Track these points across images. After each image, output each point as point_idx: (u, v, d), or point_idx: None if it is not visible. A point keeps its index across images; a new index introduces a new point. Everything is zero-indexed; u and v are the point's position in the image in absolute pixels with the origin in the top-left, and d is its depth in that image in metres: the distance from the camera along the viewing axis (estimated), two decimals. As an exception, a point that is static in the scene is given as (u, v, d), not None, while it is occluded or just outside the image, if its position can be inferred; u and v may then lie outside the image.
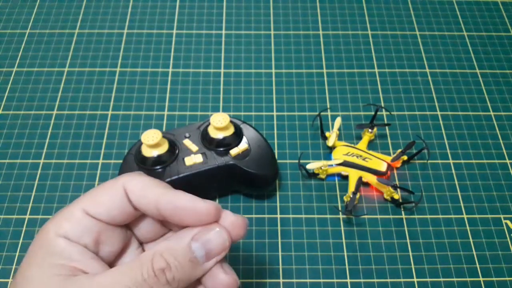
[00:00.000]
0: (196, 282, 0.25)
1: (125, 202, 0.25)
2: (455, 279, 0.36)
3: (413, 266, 0.36)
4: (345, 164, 0.40)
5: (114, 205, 0.25)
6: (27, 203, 0.39)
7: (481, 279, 0.36)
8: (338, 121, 0.42)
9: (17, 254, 0.37)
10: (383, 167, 0.40)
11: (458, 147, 0.43)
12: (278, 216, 0.39)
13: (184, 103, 0.45)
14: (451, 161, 0.42)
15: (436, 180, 0.41)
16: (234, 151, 0.37)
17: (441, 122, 0.44)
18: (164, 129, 0.43)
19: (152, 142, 0.35)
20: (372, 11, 0.53)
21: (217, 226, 0.25)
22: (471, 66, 0.49)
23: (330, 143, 0.41)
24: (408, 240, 0.38)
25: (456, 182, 0.41)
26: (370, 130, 0.42)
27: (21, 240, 0.37)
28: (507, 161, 0.42)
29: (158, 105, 0.45)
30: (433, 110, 0.45)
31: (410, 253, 0.37)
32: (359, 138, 0.43)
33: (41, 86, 0.46)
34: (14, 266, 0.36)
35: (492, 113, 0.45)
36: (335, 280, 0.36)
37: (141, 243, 0.28)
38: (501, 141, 0.43)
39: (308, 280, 0.36)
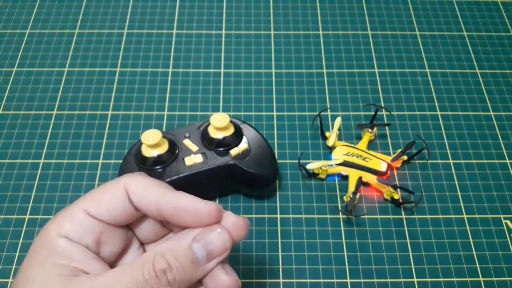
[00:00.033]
0: (197, 283, 0.25)
1: (126, 202, 0.25)
2: (455, 279, 0.36)
3: (413, 266, 0.36)
4: (345, 164, 0.40)
5: (115, 206, 0.25)
6: (27, 203, 0.39)
7: (481, 279, 0.36)
8: (338, 121, 0.42)
9: (17, 254, 0.37)
10: (383, 167, 0.40)
11: (458, 147, 0.43)
12: (278, 216, 0.39)
13: (184, 103, 0.45)
14: (451, 161, 0.42)
15: (436, 180, 0.41)
16: (234, 151, 0.37)
17: (441, 122, 0.44)
18: (164, 129, 0.43)
19: (152, 142, 0.35)
20: (372, 11, 0.53)
21: (218, 227, 0.25)
22: (471, 66, 0.49)
23: (330, 143, 0.41)
24: (408, 240, 0.38)
25: (456, 182, 0.41)
26: (370, 130, 0.42)
27: (21, 240, 0.37)
28: (507, 161, 0.42)
29: (158, 105, 0.45)
30: (433, 110, 0.45)
31: (410, 253, 0.37)
32: (359, 138, 0.43)
33: (41, 86, 0.46)
34: (14, 266, 0.36)
35: (492, 113, 0.45)
36: (335, 280, 0.36)
37: (142, 244, 0.28)
38: (501, 141, 0.43)
39: (308, 280, 0.36)
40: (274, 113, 0.45)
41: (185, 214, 0.24)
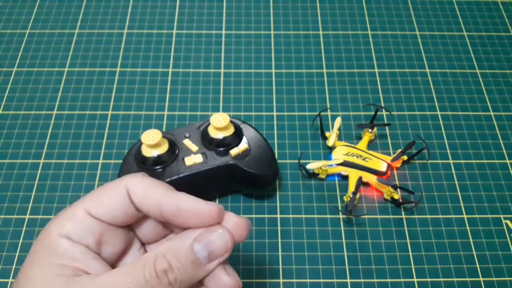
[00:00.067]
0: (198, 283, 0.25)
1: (128, 203, 0.25)
2: (455, 279, 0.36)
3: (413, 266, 0.36)
4: (345, 164, 0.40)
5: (117, 206, 0.25)
6: (27, 203, 0.39)
7: (481, 279, 0.36)
8: (338, 121, 0.42)
9: (17, 254, 0.37)
10: (383, 167, 0.40)
11: (458, 147, 0.43)
12: (278, 216, 0.39)
13: (184, 103, 0.45)
14: (451, 161, 0.42)
15: (436, 180, 0.41)
16: (234, 151, 0.37)
17: (441, 122, 0.44)
18: (164, 129, 0.43)
19: (152, 142, 0.35)
20: (372, 11, 0.53)
21: (219, 227, 0.25)
22: (471, 66, 0.49)
23: (330, 143, 0.41)
24: (408, 240, 0.38)
25: (456, 182, 0.41)
26: (370, 130, 0.42)
27: (21, 240, 0.37)
28: (507, 161, 0.42)
29: (158, 105, 0.45)
30: (433, 110, 0.45)
31: (410, 253, 0.37)
32: (359, 138, 0.43)
33: (41, 86, 0.46)
34: (14, 266, 0.36)
35: (492, 113, 0.45)
36: (335, 280, 0.36)
37: (143, 244, 0.28)
38: (501, 141, 0.43)
39: (308, 280, 0.36)
40: (274, 113, 0.45)
41: (186, 215, 0.24)
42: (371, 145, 0.43)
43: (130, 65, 0.48)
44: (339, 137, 0.43)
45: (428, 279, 0.36)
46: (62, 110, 0.45)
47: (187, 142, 0.38)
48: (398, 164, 0.41)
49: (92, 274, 0.24)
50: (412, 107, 0.45)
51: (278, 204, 0.39)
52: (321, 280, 0.36)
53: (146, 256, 0.24)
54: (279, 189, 0.40)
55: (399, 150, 0.41)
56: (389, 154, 0.42)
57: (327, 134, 0.42)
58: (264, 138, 0.39)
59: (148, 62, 0.48)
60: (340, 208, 0.39)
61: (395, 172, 0.41)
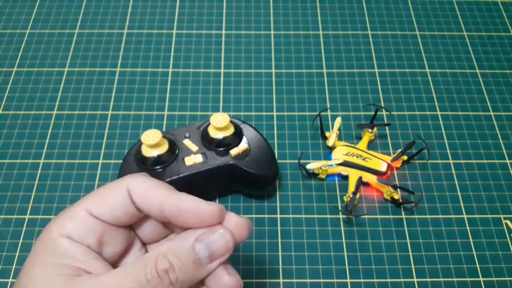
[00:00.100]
0: (199, 283, 0.25)
1: (129, 203, 0.25)
2: (455, 279, 0.36)
3: (413, 266, 0.36)
4: (345, 164, 0.40)
5: (118, 206, 0.25)
6: (27, 203, 0.39)
7: (481, 279, 0.36)
8: (338, 121, 0.42)
9: (17, 254, 0.37)
10: (383, 167, 0.40)
11: (458, 147, 0.43)
12: (278, 216, 0.39)
13: (184, 103, 0.45)
14: (451, 161, 0.42)
15: (436, 180, 0.41)
16: (234, 151, 0.37)
17: (441, 122, 0.44)
18: (164, 129, 0.43)
19: (152, 142, 0.35)
20: (372, 11, 0.53)
21: (220, 227, 0.25)
22: (471, 66, 0.49)
23: (330, 143, 0.41)
24: (408, 240, 0.38)
25: (456, 182, 0.41)
26: (370, 130, 0.42)
27: (21, 240, 0.37)
28: (507, 161, 0.42)
29: (158, 105, 0.45)
30: (433, 110, 0.45)
31: (410, 253, 0.37)
32: (359, 138, 0.43)
33: (41, 86, 0.46)
34: (14, 266, 0.36)
35: (492, 113, 0.45)
36: (335, 280, 0.36)
37: (144, 244, 0.28)
38: (501, 141, 0.43)
39: (308, 280, 0.36)
40: (274, 113, 0.45)
41: (187, 215, 0.24)
42: (371, 145, 0.43)
43: (130, 65, 0.48)
44: (339, 137, 0.43)
45: (428, 279, 0.36)
46: (62, 110, 0.45)
47: (187, 142, 0.38)
48: (398, 164, 0.41)
49: (93, 273, 0.24)
50: (412, 107, 0.45)
51: (278, 204, 0.39)
52: (321, 280, 0.36)
53: (147, 256, 0.24)
54: (279, 189, 0.40)
55: (399, 150, 0.41)
56: (389, 154, 0.42)
57: (327, 134, 0.42)
58: (264, 138, 0.39)
59: (148, 62, 0.48)
60: (340, 208, 0.39)
61: (395, 172, 0.41)
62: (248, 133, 0.39)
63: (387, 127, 0.44)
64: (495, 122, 0.45)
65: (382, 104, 0.45)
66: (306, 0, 0.54)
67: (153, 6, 0.53)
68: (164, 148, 0.36)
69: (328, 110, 0.45)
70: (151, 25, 0.51)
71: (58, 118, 0.44)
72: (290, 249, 0.37)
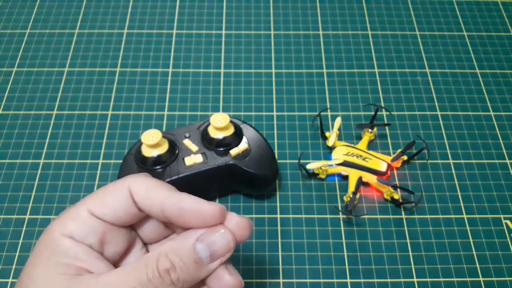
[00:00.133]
0: (200, 283, 0.25)
1: (130, 203, 0.25)
2: (455, 279, 0.36)
3: (413, 266, 0.36)
4: (345, 164, 0.40)
5: (119, 206, 0.25)
6: (27, 203, 0.39)
7: (481, 279, 0.36)
8: (338, 121, 0.42)
9: (17, 254, 0.37)
10: (383, 167, 0.40)
11: (458, 147, 0.43)
12: (278, 216, 0.39)
13: (184, 103, 0.45)
14: (451, 161, 0.42)
15: (436, 180, 0.41)
16: (234, 151, 0.37)
17: (441, 122, 0.44)
18: (164, 129, 0.43)
19: (152, 142, 0.35)
20: (372, 11, 0.53)
21: (221, 227, 0.25)
22: (471, 66, 0.49)
23: (330, 143, 0.41)
24: (408, 240, 0.38)
25: (456, 182, 0.41)
26: (370, 130, 0.42)
27: (21, 240, 0.37)
28: (507, 161, 0.42)
29: (158, 105, 0.45)
30: (433, 110, 0.45)
31: (410, 253, 0.37)
32: (359, 138, 0.43)
33: (41, 86, 0.46)
34: (14, 266, 0.36)
35: (492, 113, 0.45)
36: (335, 280, 0.36)
37: (145, 244, 0.28)
38: (501, 141, 0.43)
39: (308, 280, 0.36)
40: (274, 113, 0.45)
41: (189, 215, 0.24)
42: (371, 145, 0.43)
43: (130, 65, 0.48)
44: (339, 137, 0.43)
45: (428, 279, 0.36)
46: (62, 110, 0.45)
47: (187, 142, 0.38)
48: (398, 164, 0.41)
49: (95, 273, 0.24)
50: (412, 107, 0.45)
51: (278, 204, 0.39)
52: (321, 280, 0.36)
53: (148, 255, 0.24)
54: (279, 189, 0.40)
55: (399, 150, 0.41)
56: (389, 154, 0.42)
57: (327, 134, 0.42)
58: (264, 138, 0.39)
59: (148, 62, 0.48)
60: (340, 208, 0.39)
61: (395, 172, 0.41)
62: (248, 133, 0.39)
63: (387, 127, 0.44)
64: (495, 122, 0.45)
65: (382, 104, 0.45)
66: (306, 0, 0.54)
67: (153, 6, 0.53)
68: (164, 148, 0.36)
69: (328, 110, 0.45)
70: (151, 25, 0.51)
71: (58, 118, 0.44)
72: (290, 249, 0.37)
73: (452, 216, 0.39)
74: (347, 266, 0.36)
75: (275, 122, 0.44)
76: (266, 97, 0.46)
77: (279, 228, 0.38)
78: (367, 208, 0.39)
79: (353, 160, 0.40)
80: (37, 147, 0.42)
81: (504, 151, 0.43)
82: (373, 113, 0.44)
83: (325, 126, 0.44)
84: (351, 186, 0.39)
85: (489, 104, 0.46)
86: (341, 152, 0.41)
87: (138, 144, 0.37)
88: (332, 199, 0.40)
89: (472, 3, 0.54)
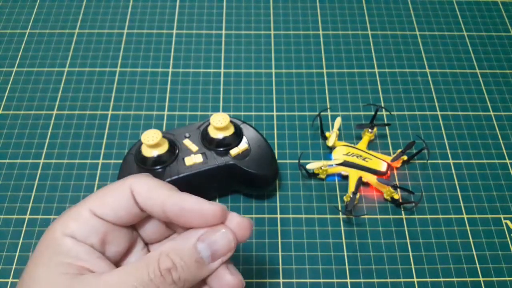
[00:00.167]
0: (201, 282, 0.25)
1: (132, 203, 0.25)
2: (455, 279, 0.36)
3: (413, 266, 0.36)
4: (345, 164, 0.40)
5: (121, 206, 0.25)
6: (27, 203, 0.39)
7: (481, 279, 0.36)
8: (338, 121, 0.42)
9: (17, 254, 0.37)
10: (383, 167, 0.40)
11: (458, 147, 0.43)
12: (278, 216, 0.39)
13: (184, 103, 0.45)
14: (451, 161, 0.42)
15: (436, 180, 0.41)
16: (234, 151, 0.37)
17: (441, 122, 0.44)
18: (164, 129, 0.43)
19: (152, 142, 0.35)
20: (372, 11, 0.53)
21: (223, 227, 0.25)
22: (471, 66, 0.49)
23: (330, 143, 0.41)
24: (408, 240, 0.38)
25: (456, 182, 0.41)
26: (370, 130, 0.42)
27: (21, 240, 0.37)
28: (507, 161, 0.42)
29: (158, 105, 0.45)
30: (433, 110, 0.45)
31: (410, 253, 0.37)
32: (359, 138, 0.43)
33: (41, 86, 0.46)
34: (14, 266, 0.36)
35: (492, 113, 0.45)
36: (335, 280, 0.36)
37: (146, 244, 0.28)
38: (501, 141, 0.43)
39: (308, 280, 0.36)
40: (274, 113, 0.45)
41: (190, 215, 0.25)
42: (371, 145, 0.43)
43: (130, 65, 0.48)
44: (339, 137, 0.43)
45: (428, 279, 0.36)
46: (62, 110, 0.45)
47: (187, 142, 0.38)
48: (398, 164, 0.41)
49: (96, 272, 0.24)
50: (412, 107, 0.45)
51: (278, 204, 0.39)
52: (321, 280, 0.36)
53: (150, 255, 0.24)
54: (279, 189, 0.40)
55: (399, 150, 0.41)
56: (389, 154, 0.42)
57: (327, 134, 0.42)
58: (264, 138, 0.39)
59: (148, 62, 0.48)
60: (340, 208, 0.39)
61: (395, 172, 0.41)
62: (248, 133, 0.39)
63: (387, 127, 0.44)
64: (495, 122, 0.45)
65: (382, 104, 0.45)
66: (306, 0, 0.54)
67: (153, 6, 0.53)
68: (164, 148, 0.36)
69: (328, 110, 0.45)
70: (151, 25, 0.51)
71: (58, 118, 0.44)
72: (290, 249, 0.37)
73: (452, 216, 0.39)
74: (347, 266, 0.36)
75: (275, 122, 0.44)
76: (266, 97, 0.46)
77: (279, 228, 0.38)
78: (367, 208, 0.39)
79: (353, 160, 0.40)
80: (37, 147, 0.42)
81: (504, 151, 0.43)
82: (373, 113, 0.44)
83: (325, 126, 0.44)
84: (351, 186, 0.39)
85: (489, 104, 0.46)
86: (341, 152, 0.41)
87: (138, 144, 0.37)
88: (332, 199, 0.40)
89: (472, 3, 0.54)
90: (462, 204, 0.40)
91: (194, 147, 0.37)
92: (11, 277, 0.36)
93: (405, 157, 0.41)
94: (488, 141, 0.43)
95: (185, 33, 0.51)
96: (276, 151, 0.42)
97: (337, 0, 0.54)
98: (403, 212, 0.39)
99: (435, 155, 0.42)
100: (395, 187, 0.38)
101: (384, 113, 0.45)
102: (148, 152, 0.36)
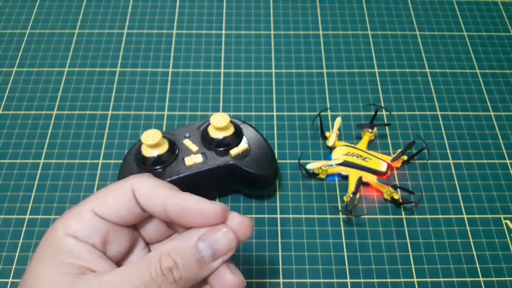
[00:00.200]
0: (203, 281, 0.26)
1: (133, 203, 0.25)
2: (455, 279, 0.36)
3: (413, 266, 0.36)
4: (345, 164, 0.40)
5: (122, 206, 0.25)
6: (27, 203, 0.39)
7: (481, 279, 0.36)
8: (338, 121, 0.42)
9: (17, 254, 0.37)
10: (383, 167, 0.40)
11: (458, 147, 0.43)
12: (278, 216, 0.39)
13: (184, 103, 0.45)
14: (451, 161, 0.42)
15: (436, 180, 0.41)
16: (234, 151, 0.37)
17: (441, 122, 0.44)
18: (164, 129, 0.43)
19: (152, 142, 0.35)
20: (372, 11, 0.53)
21: (223, 226, 0.25)
22: (471, 66, 0.49)
23: (330, 143, 0.41)
24: (408, 240, 0.38)
25: (456, 182, 0.41)
26: (370, 130, 0.42)
27: (21, 240, 0.37)
28: (507, 161, 0.42)
29: (158, 105, 0.45)
30: (433, 110, 0.45)
31: (410, 253, 0.37)
32: (359, 138, 0.43)
33: (41, 86, 0.46)
34: (14, 266, 0.36)
35: (492, 113, 0.45)
36: (335, 280, 0.36)
37: (147, 244, 0.28)
38: (501, 141, 0.43)
39: (308, 280, 0.36)
40: (274, 113, 0.45)
41: (191, 214, 0.25)
42: (371, 145, 0.43)
43: (130, 65, 0.48)
44: (339, 137, 0.43)
45: (428, 279, 0.36)
46: (62, 110, 0.45)
47: (187, 142, 0.38)
48: (398, 164, 0.41)
49: (98, 272, 0.24)
50: (412, 107, 0.45)
51: (278, 204, 0.39)
52: (321, 280, 0.36)
53: (151, 254, 0.24)
54: (279, 189, 0.40)
55: (399, 150, 0.41)
56: (389, 154, 0.42)
57: (327, 134, 0.42)
58: (264, 138, 0.39)
59: (148, 62, 0.48)
60: (340, 208, 0.39)
61: (395, 172, 0.41)
62: (248, 133, 0.39)
63: (387, 127, 0.44)
64: (495, 122, 0.45)
65: (382, 104, 0.45)
66: (306, 0, 0.54)
67: (153, 6, 0.53)
68: (164, 148, 0.36)
69: (328, 110, 0.45)
70: (151, 25, 0.51)
71: (58, 118, 0.44)
72: (290, 249, 0.37)
73: (452, 216, 0.39)
74: (347, 266, 0.36)
75: (275, 122, 0.44)
76: (266, 97, 0.46)
77: (279, 228, 0.38)
78: (367, 208, 0.39)
79: (353, 160, 0.40)
80: (37, 147, 0.42)
81: (504, 151, 0.43)
82: (373, 113, 0.44)
83: (325, 126, 0.44)
84: (351, 186, 0.39)
85: (489, 104, 0.46)
86: (341, 152, 0.41)
87: (138, 144, 0.37)
88: (332, 199, 0.40)
89: (472, 3, 0.54)
90: (462, 204, 0.40)
91: (194, 147, 0.37)
92: (11, 277, 0.36)
93: (405, 157, 0.41)
94: (488, 141, 0.43)
95: (185, 33, 0.51)
96: (276, 151, 0.42)
97: (337, 0, 0.54)
98: (403, 212, 0.39)
99: (435, 155, 0.42)
100: (395, 187, 0.38)
101: (384, 113, 0.45)
102: (148, 152, 0.36)
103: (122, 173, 0.37)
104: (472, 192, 0.40)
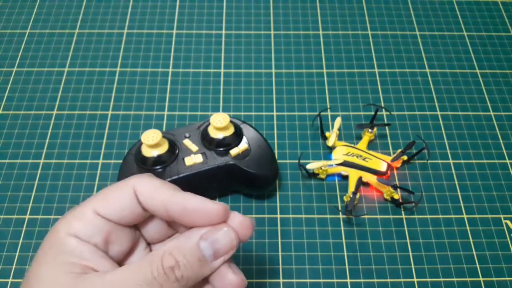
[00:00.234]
0: (204, 281, 0.26)
1: (135, 203, 0.25)
2: (455, 279, 0.36)
3: (413, 266, 0.36)
4: (345, 164, 0.40)
5: (124, 206, 0.25)
6: (27, 203, 0.39)
7: (481, 279, 0.36)
8: (338, 121, 0.42)
9: (17, 254, 0.37)
10: (383, 167, 0.40)
11: (458, 147, 0.43)
12: (278, 216, 0.39)
13: (184, 103, 0.45)
14: (451, 161, 0.42)
15: (436, 180, 0.41)
16: (234, 151, 0.37)
17: (441, 122, 0.44)
18: (164, 129, 0.43)
19: (152, 142, 0.35)
20: (372, 11, 0.53)
21: (225, 226, 0.25)
22: (471, 66, 0.49)
23: (330, 143, 0.41)
24: (408, 240, 0.38)
25: (456, 182, 0.41)
26: (370, 130, 0.42)
27: (21, 240, 0.37)
28: (507, 161, 0.42)
29: (158, 105, 0.45)
30: (433, 110, 0.45)
31: (410, 253, 0.37)
32: (359, 138, 0.43)
33: (41, 86, 0.46)
34: (14, 266, 0.36)
35: (492, 113, 0.45)
36: (335, 280, 0.36)
37: (149, 244, 0.28)
38: (501, 141, 0.43)
39: (308, 280, 0.36)
40: (274, 113, 0.45)
41: (193, 214, 0.25)
42: (371, 145, 0.43)
43: (130, 65, 0.48)
44: (339, 137, 0.43)
45: (428, 279, 0.36)
46: (62, 110, 0.45)
47: (187, 142, 0.38)
48: (398, 164, 0.41)
49: (100, 271, 0.24)
50: (412, 107, 0.45)
51: (278, 204, 0.39)
52: (321, 280, 0.36)
53: (153, 253, 0.24)
54: (279, 189, 0.40)
55: (399, 150, 0.41)
56: (389, 154, 0.42)
57: (327, 134, 0.42)
58: (264, 138, 0.39)
59: (148, 62, 0.48)
60: (340, 208, 0.39)
61: (395, 172, 0.41)
62: (248, 133, 0.39)
63: (387, 127, 0.44)
64: (495, 122, 0.45)
65: (382, 104, 0.45)
66: (306, 0, 0.54)
67: (153, 6, 0.53)
68: (164, 148, 0.36)
69: (328, 110, 0.45)
70: (151, 25, 0.51)
71: (58, 118, 0.44)
72: (290, 249, 0.37)
73: (452, 216, 0.39)
74: (347, 266, 0.36)
75: (275, 122, 0.44)
76: (266, 97, 0.46)
77: (279, 228, 0.38)
78: (367, 208, 0.39)
79: (353, 160, 0.40)
80: (37, 147, 0.42)
81: (504, 151, 0.43)
82: (373, 113, 0.44)
83: (325, 126, 0.44)
84: (351, 186, 0.39)
85: (489, 104, 0.46)
86: (341, 152, 0.41)
87: (138, 144, 0.37)
88: (332, 199, 0.40)
89: (472, 3, 0.54)
90: (462, 204, 0.40)
91: (194, 147, 0.37)
92: (11, 277, 0.36)
93: (405, 157, 0.41)
94: (488, 141, 0.43)
95: (185, 33, 0.51)
96: (276, 151, 0.42)
97: (337, 0, 0.54)
98: (403, 212, 0.39)
99: (435, 155, 0.42)
100: (395, 187, 0.38)
101: (384, 113, 0.45)
102: (148, 152, 0.36)
103: (122, 173, 0.37)
104: (472, 192, 0.40)
